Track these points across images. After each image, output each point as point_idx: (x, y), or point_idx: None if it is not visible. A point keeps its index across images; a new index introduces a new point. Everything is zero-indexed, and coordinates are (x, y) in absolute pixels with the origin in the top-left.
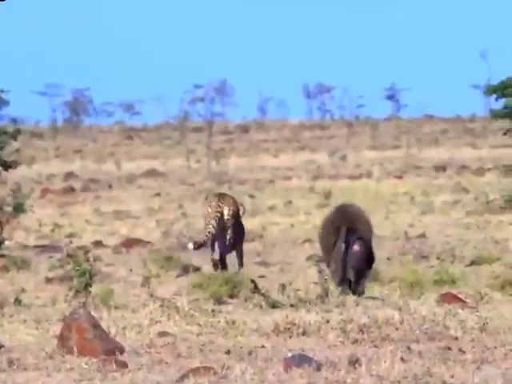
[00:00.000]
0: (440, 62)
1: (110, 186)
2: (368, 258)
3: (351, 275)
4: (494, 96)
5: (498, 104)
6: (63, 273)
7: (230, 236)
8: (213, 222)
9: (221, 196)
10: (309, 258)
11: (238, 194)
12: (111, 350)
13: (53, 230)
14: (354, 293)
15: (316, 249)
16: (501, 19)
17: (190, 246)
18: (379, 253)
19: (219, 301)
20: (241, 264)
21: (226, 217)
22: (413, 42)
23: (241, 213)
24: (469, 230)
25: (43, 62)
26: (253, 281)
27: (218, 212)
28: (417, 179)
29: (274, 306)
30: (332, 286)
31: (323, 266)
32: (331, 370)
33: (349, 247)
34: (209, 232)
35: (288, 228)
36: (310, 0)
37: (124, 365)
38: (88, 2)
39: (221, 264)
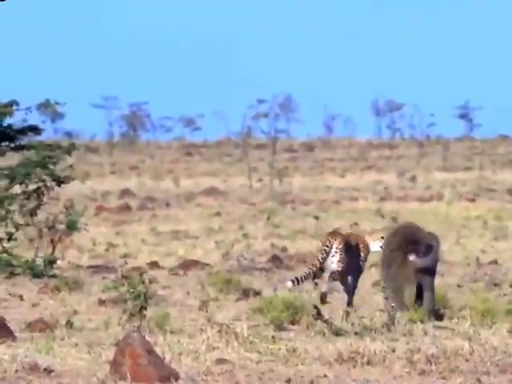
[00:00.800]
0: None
1: (168, 205)
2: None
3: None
4: None
5: None
6: (117, 295)
7: (335, 270)
8: (319, 256)
9: (333, 232)
10: (375, 284)
11: (302, 214)
12: (166, 377)
13: (107, 250)
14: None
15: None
16: None
17: (289, 283)
18: (449, 279)
19: (280, 327)
20: (348, 303)
21: (333, 250)
22: (488, 58)
23: (373, 248)
24: None
25: (101, 74)
26: (316, 306)
27: (327, 247)
28: (490, 203)
29: (338, 333)
30: (399, 313)
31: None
32: None
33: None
34: (312, 265)
35: None
36: (380, 14)
37: None
38: (148, 14)
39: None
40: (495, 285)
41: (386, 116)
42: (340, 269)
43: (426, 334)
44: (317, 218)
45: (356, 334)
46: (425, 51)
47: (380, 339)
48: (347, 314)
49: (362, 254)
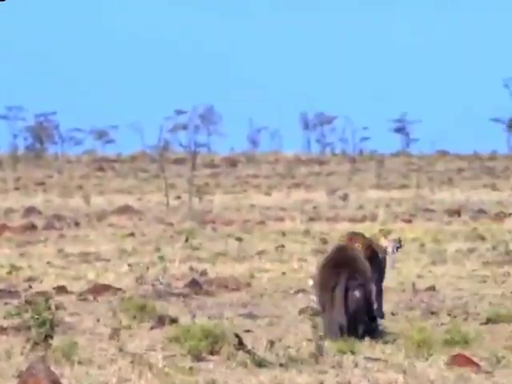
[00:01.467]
0: (456, 92)
1: (77, 224)
2: (368, 306)
3: (345, 322)
4: None
5: None
6: (20, 322)
7: None
8: None
9: (351, 234)
10: (302, 311)
11: (223, 236)
12: None
13: (10, 273)
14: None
15: (310, 301)
16: None
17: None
18: (383, 306)
19: (198, 357)
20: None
21: None
22: (425, 69)
23: (390, 251)
24: (485, 283)
25: (4, 83)
26: (237, 335)
27: None
28: (427, 224)
29: (261, 364)
30: (328, 343)
31: (319, 319)
32: None
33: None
34: None
35: (279, 276)
36: (308, 20)
37: None
38: (49, 22)
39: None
40: (432, 313)
41: (315, 129)
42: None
43: (356, 365)
44: (239, 239)
45: (281, 365)
46: (356, 60)
47: (307, 371)
48: (272, 343)
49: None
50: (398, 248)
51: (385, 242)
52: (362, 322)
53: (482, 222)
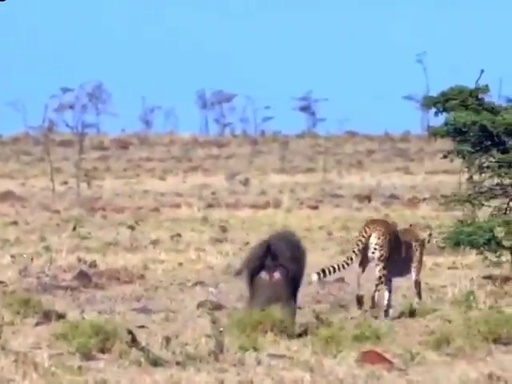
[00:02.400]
0: (365, 68)
1: None
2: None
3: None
4: (433, 110)
5: (438, 120)
6: None
7: (380, 267)
8: (355, 249)
9: (371, 222)
10: (200, 305)
11: (114, 224)
12: None
13: None
14: None
15: (209, 294)
16: (442, 15)
17: (315, 277)
18: None
19: (87, 356)
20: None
21: (373, 245)
22: (331, 44)
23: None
24: None
25: None
26: (130, 332)
27: (363, 237)
28: (335, 210)
29: (156, 363)
30: (229, 340)
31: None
32: None
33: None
34: (348, 258)
35: (175, 267)
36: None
37: None
38: None
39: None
40: (341, 306)
41: (213, 109)
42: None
43: (259, 363)
44: (132, 228)
45: (178, 363)
46: (257, 33)
47: (206, 369)
48: (168, 340)
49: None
50: (428, 241)
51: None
52: (285, 305)
53: (394, 207)
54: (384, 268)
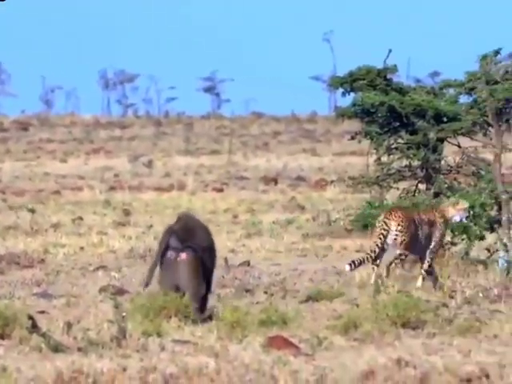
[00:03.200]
0: (271, 47)
1: None
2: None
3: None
4: (340, 90)
5: (345, 100)
6: None
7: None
8: (377, 240)
9: (390, 210)
10: (102, 290)
11: (14, 207)
12: None
13: None
14: None
15: (112, 278)
16: None
17: (347, 267)
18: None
19: None
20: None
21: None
22: (237, 22)
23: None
24: (305, 257)
25: None
26: (30, 317)
27: (384, 230)
28: (241, 193)
29: (58, 349)
30: (132, 325)
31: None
32: None
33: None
34: (371, 251)
35: (76, 251)
36: None
37: None
38: None
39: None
40: (247, 291)
41: (115, 89)
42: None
43: (163, 349)
44: (32, 211)
45: (79, 349)
46: (159, 12)
47: (108, 356)
48: (69, 325)
49: (434, 230)
50: (466, 217)
51: (452, 212)
52: (191, 287)
53: (300, 190)
54: (405, 250)
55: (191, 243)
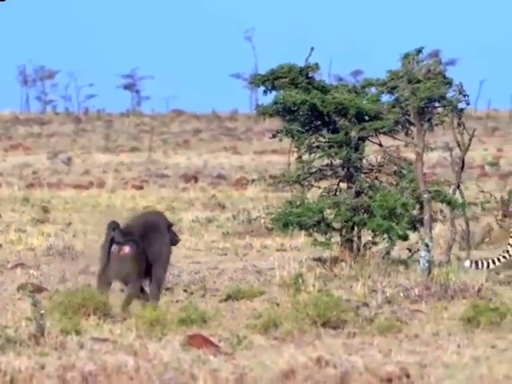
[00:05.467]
0: (191, 44)
1: None
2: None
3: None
4: (262, 88)
5: (267, 98)
6: None
7: None
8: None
9: None
10: (21, 287)
11: None
12: None
13: None
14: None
15: (30, 276)
16: None
17: (467, 263)
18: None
19: None
20: None
21: None
22: (157, 20)
23: None
24: (225, 256)
25: None
26: None
27: None
28: (161, 191)
29: None
30: (50, 323)
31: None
32: None
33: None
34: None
35: None
36: None
37: None
38: None
39: None
40: (167, 289)
41: (35, 85)
42: None
43: (82, 347)
44: None
45: None
46: (81, 8)
47: (26, 354)
48: None
49: None
50: None
51: None
52: (133, 282)
53: (221, 188)
54: None
55: (134, 237)
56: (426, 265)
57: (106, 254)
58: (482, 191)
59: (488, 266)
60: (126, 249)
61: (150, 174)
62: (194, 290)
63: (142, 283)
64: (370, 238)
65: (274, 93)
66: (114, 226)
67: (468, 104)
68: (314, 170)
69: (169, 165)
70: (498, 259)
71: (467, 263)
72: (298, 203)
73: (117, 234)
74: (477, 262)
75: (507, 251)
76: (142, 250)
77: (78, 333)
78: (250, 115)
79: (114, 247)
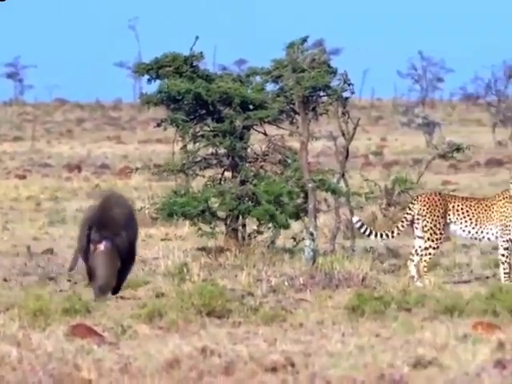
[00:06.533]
0: (74, 33)
1: None
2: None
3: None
4: (146, 77)
5: (151, 87)
6: None
7: None
8: None
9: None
10: None
11: None
12: None
13: None
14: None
15: None
16: None
17: (355, 219)
18: None
19: None
20: None
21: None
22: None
23: None
24: None
25: None
26: None
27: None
28: (44, 180)
29: None
30: None
31: None
32: None
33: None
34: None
35: None
36: None
37: None
38: None
39: None
40: (50, 279)
41: None
42: None
43: None
44: None
45: None
46: None
47: None
48: None
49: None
50: None
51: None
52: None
53: (105, 178)
54: None
55: (108, 233)
56: (311, 254)
57: (85, 253)
58: (366, 180)
59: (369, 235)
60: (102, 246)
61: (32, 164)
62: (77, 279)
63: (113, 281)
64: (254, 228)
65: (158, 82)
66: (90, 224)
67: (352, 93)
68: (198, 159)
69: (52, 154)
70: (381, 234)
71: (355, 219)
72: (183, 192)
73: (93, 232)
74: (362, 225)
75: (392, 231)
76: (116, 245)
77: None
78: (133, 104)
79: (90, 246)
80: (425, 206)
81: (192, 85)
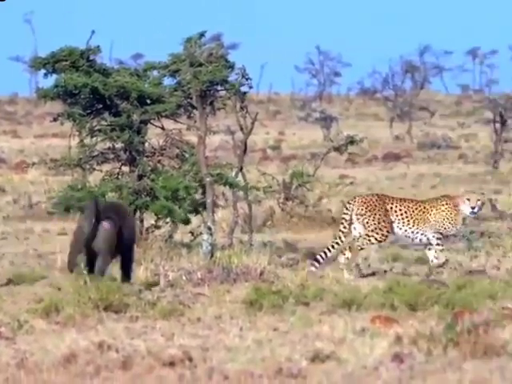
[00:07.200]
0: None
1: None
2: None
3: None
4: (43, 71)
5: (48, 82)
6: None
7: None
8: None
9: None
10: None
11: None
12: None
13: None
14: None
15: None
16: None
17: (312, 268)
18: None
19: None
20: None
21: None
22: None
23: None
24: (5, 240)
25: None
26: None
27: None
28: None
29: None
30: None
31: None
32: None
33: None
34: None
35: None
36: None
37: None
38: None
39: None
40: None
41: None
42: None
43: None
44: None
45: None
46: None
47: None
48: None
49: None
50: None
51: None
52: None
53: (1, 172)
54: None
55: (112, 215)
56: (209, 248)
57: (92, 226)
58: (264, 173)
59: (326, 256)
60: (106, 225)
61: None
62: None
63: (109, 261)
64: (152, 222)
65: (54, 76)
66: (96, 209)
67: (250, 87)
68: (95, 153)
69: None
70: (329, 248)
71: (312, 268)
72: (80, 187)
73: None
74: (316, 259)
75: (336, 241)
76: (118, 228)
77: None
78: (30, 99)
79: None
80: (363, 205)
81: (89, 79)
